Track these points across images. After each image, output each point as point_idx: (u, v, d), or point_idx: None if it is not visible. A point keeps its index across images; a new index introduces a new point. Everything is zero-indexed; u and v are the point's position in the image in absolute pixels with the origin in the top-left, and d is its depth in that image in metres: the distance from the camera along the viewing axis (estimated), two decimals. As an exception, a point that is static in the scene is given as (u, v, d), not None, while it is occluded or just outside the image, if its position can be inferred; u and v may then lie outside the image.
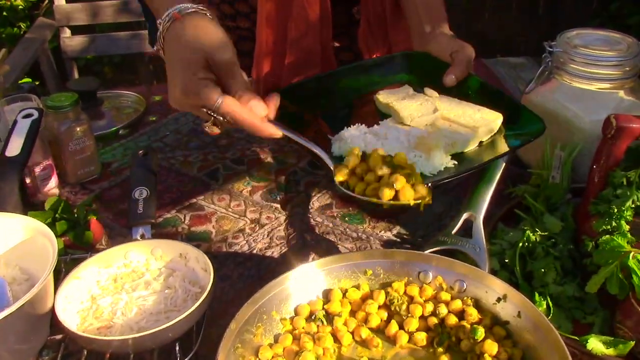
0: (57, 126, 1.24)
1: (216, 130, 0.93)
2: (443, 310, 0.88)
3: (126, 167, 1.34)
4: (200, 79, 0.87)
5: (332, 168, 0.91)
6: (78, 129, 1.25)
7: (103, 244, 1.11)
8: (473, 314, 0.86)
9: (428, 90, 1.16)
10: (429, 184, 0.90)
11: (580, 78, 1.14)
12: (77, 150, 1.27)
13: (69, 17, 2.55)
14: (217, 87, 0.88)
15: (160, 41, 0.93)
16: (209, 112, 0.89)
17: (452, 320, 0.86)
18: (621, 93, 1.14)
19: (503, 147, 1.04)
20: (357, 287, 0.92)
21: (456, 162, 1.01)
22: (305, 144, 0.92)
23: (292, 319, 0.88)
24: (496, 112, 1.08)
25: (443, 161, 0.99)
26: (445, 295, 0.89)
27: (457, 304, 0.88)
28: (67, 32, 2.60)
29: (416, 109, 1.09)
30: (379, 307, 0.90)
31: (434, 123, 1.08)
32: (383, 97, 1.14)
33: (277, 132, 0.90)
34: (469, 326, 0.84)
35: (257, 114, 0.89)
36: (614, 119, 0.92)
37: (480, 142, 1.05)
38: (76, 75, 2.67)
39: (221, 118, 0.89)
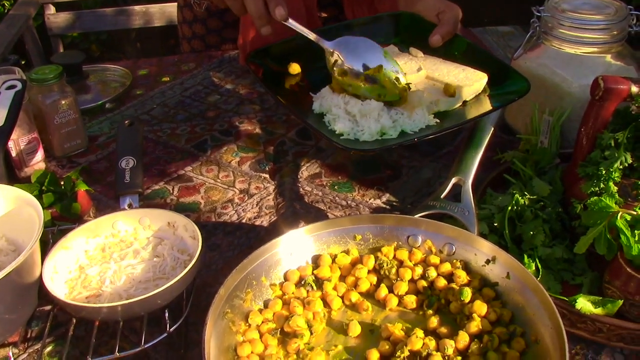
0: (42, 99, 1.22)
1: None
2: (432, 273, 0.88)
3: (113, 140, 1.33)
4: None
5: (330, 50, 0.99)
6: (63, 102, 1.24)
7: (91, 215, 1.10)
8: (462, 276, 0.86)
9: (413, 50, 1.17)
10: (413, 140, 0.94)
11: (569, 42, 1.13)
12: (63, 124, 1.25)
13: (54, -7, 2.52)
14: None
15: None
16: None
17: (441, 282, 0.87)
18: (609, 57, 1.13)
19: (487, 106, 1.05)
20: (347, 252, 0.92)
21: (438, 121, 1.01)
22: (302, 31, 1.00)
23: (281, 284, 0.88)
24: (481, 72, 1.08)
25: (425, 119, 0.99)
26: (435, 259, 0.90)
27: (446, 267, 0.88)
28: (51, 9, 2.56)
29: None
30: (369, 272, 0.90)
31: (418, 82, 1.08)
32: None
33: (281, 12, 1.01)
34: (457, 288, 0.85)
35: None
36: (602, 81, 0.92)
37: (465, 102, 1.05)
38: (62, 52, 2.64)
39: None
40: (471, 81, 1.06)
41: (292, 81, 1.14)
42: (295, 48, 1.17)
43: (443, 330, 0.81)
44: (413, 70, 1.09)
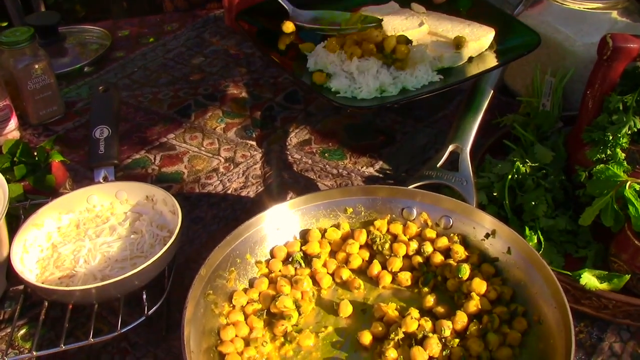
0: (13, 64, 1.15)
1: None
2: (428, 248, 0.83)
3: (92, 106, 1.26)
4: None
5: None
6: (36, 66, 1.17)
7: (67, 188, 1.04)
8: (459, 251, 0.81)
9: (415, 6, 1.13)
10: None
11: (572, -2, 1.07)
12: (37, 90, 1.19)
13: (32, -50, 2.41)
14: None
15: None
16: None
17: (438, 258, 0.81)
18: (615, 14, 1.07)
19: (493, 61, 1.00)
20: (337, 226, 0.86)
21: (442, 77, 0.96)
22: None
23: (267, 261, 0.83)
24: (487, 27, 1.03)
25: (429, 75, 0.94)
26: (431, 233, 0.84)
27: (443, 242, 0.83)
28: (30, -33, 2.45)
29: (400, 23, 1.05)
30: (360, 247, 0.85)
31: (420, 38, 1.02)
32: (367, 12, 1.10)
33: None
34: (455, 264, 0.79)
35: None
36: (610, 39, 0.85)
37: (470, 58, 1.00)
38: (44, 14, 2.54)
39: None
40: (477, 36, 1.01)
41: (287, 40, 1.09)
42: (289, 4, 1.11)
43: (440, 309, 0.76)
44: (414, 25, 1.04)
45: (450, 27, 1.04)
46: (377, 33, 0.99)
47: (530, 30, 1.01)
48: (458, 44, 1.01)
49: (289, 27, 1.08)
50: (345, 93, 0.95)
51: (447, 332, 0.72)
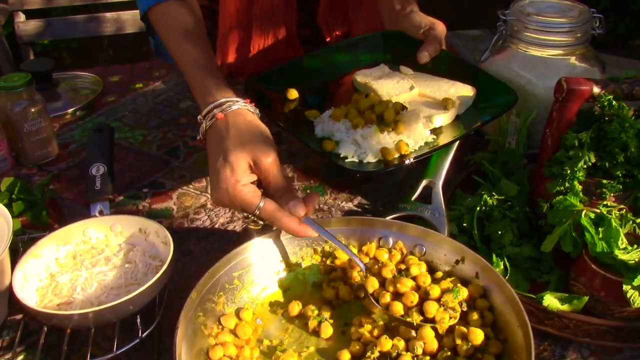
0: (11, 107, 1.21)
1: (256, 227, 0.93)
2: (435, 292, 0.85)
3: (84, 147, 1.32)
4: (243, 185, 0.87)
5: (362, 267, 0.89)
6: (32, 109, 1.23)
7: (62, 223, 1.09)
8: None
9: (403, 68, 1.20)
10: (411, 160, 0.96)
11: (534, 45, 1.16)
12: (33, 132, 1.25)
13: (23, 1, 2.49)
14: (258, 191, 0.88)
15: (202, 134, 0.96)
16: (249, 215, 0.89)
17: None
18: (573, 59, 1.16)
19: (478, 119, 1.07)
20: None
21: (435, 137, 1.03)
22: (338, 245, 0.90)
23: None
24: (469, 86, 1.11)
25: (423, 136, 1.01)
26: (414, 261, 0.90)
27: (445, 285, 0.86)
28: (21, 17, 2.53)
29: (393, 87, 1.12)
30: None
31: (411, 100, 1.10)
32: (361, 77, 1.17)
33: (313, 234, 0.88)
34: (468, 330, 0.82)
35: (295, 214, 0.87)
36: (564, 82, 0.94)
37: (457, 116, 1.08)
38: (33, 61, 2.61)
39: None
40: (461, 95, 1.09)
41: (291, 106, 1.15)
42: (290, 72, 1.18)
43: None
44: (406, 88, 1.11)
45: (437, 88, 1.11)
46: (375, 102, 1.05)
47: (508, 89, 1.08)
48: (446, 105, 1.07)
49: (292, 94, 1.15)
50: (353, 157, 1.00)
51: (419, 351, 0.78)
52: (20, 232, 1.00)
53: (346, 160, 0.99)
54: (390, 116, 1.01)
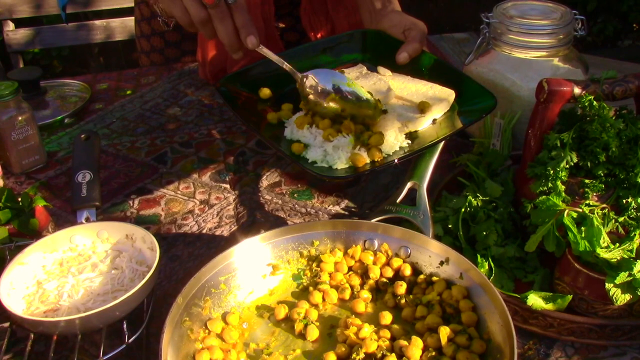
0: (-2, 115, 1.22)
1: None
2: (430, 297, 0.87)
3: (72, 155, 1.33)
4: None
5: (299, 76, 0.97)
6: (20, 118, 1.23)
7: (49, 231, 1.09)
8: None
9: (381, 69, 1.18)
10: (396, 160, 0.96)
11: (517, 47, 1.17)
12: (21, 140, 1.25)
13: (11, 9, 2.49)
14: None
15: None
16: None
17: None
18: (556, 61, 1.17)
19: (457, 123, 1.06)
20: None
21: (410, 142, 1.02)
22: (275, 59, 0.98)
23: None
24: (449, 89, 1.10)
25: (398, 140, 1.01)
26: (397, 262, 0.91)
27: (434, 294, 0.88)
28: (10, 26, 2.53)
29: (369, 89, 1.10)
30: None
31: (387, 102, 1.09)
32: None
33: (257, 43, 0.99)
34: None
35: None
36: (545, 83, 0.95)
37: (434, 120, 1.07)
38: (23, 69, 2.62)
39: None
40: (439, 99, 1.08)
41: (264, 106, 1.14)
42: (264, 72, 1.17)
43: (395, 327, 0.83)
44: (382, 90, 1.10)
45: (414, 91, 1.10)
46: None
47: (488, 93, 1.07)
48: (422, 109, 1.06)
49: (265, 93, 1.15)
50: (322, 162, 0.99)
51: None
52: (7, 240, 1.00)
53: (314, 165, 0.99)
54: (374, 141, 0.99)
